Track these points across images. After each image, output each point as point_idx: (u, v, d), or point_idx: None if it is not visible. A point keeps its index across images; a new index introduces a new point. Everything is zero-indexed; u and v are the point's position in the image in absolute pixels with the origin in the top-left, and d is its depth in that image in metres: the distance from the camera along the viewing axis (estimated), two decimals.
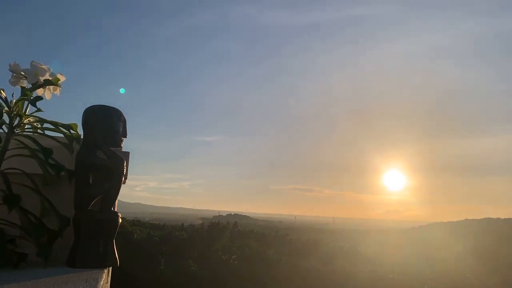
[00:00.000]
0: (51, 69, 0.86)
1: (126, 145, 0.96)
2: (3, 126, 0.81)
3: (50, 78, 0.85)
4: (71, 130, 0.87)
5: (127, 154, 0.96)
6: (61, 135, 0.87)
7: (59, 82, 0.87)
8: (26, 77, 0.84)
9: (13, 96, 0.82)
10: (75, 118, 0.89)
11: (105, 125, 0.88)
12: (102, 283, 0.74)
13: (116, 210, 0.90)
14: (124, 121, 0.92)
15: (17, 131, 0.83)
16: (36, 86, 0.84)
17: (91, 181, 0.86)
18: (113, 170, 0.86)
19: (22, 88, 0.83)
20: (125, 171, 0.89)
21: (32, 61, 0.83)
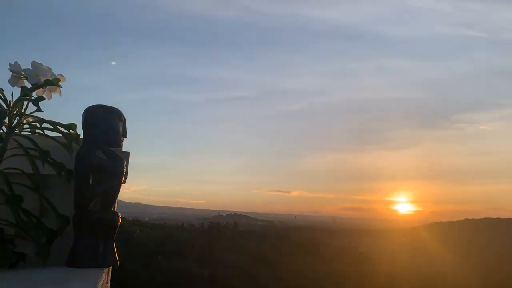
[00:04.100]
0: (51, 70, 0.85)
1: (126, 145, 0.96)
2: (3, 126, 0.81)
3: (51, 79, 0.85)
4: (70, 130, 0.86)
5: (127, 154, 0.96)
6: (60, 135, 0.87)
7: (60, 82, 0.86)
8: (26, 77, 0.84)
9: (12, 96, 0.82)
10: (74, 117, 0.89)
11: (105, 125, 0.88)
12: (102, 283, 0.74)
13: (116, 210, 0.90)
14: (124, 121, 0.92)
15: (16, 131, 0.82)
16: (36, 86, 0.83)
17: (91, 181, 0.86)
18: (113, 170, 0.86)
19: (23, 88, 0.83)
20: (125, 171, 0.89)
21: (33, 61, 0.83)
